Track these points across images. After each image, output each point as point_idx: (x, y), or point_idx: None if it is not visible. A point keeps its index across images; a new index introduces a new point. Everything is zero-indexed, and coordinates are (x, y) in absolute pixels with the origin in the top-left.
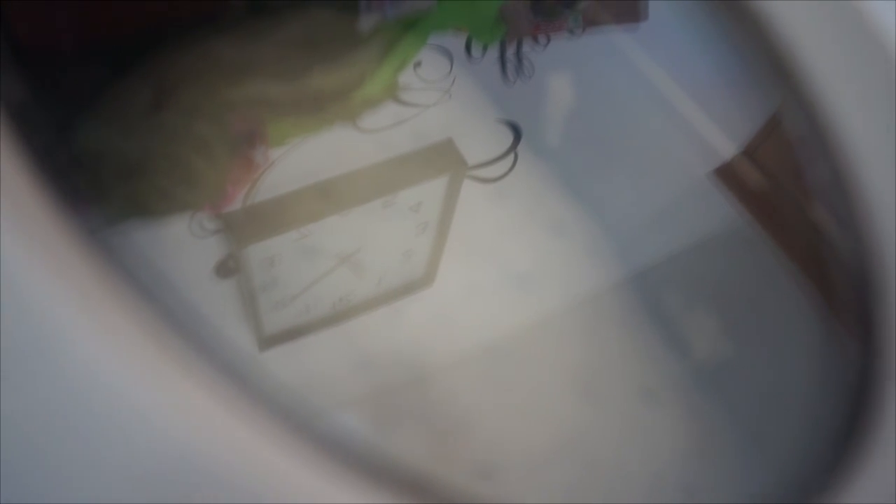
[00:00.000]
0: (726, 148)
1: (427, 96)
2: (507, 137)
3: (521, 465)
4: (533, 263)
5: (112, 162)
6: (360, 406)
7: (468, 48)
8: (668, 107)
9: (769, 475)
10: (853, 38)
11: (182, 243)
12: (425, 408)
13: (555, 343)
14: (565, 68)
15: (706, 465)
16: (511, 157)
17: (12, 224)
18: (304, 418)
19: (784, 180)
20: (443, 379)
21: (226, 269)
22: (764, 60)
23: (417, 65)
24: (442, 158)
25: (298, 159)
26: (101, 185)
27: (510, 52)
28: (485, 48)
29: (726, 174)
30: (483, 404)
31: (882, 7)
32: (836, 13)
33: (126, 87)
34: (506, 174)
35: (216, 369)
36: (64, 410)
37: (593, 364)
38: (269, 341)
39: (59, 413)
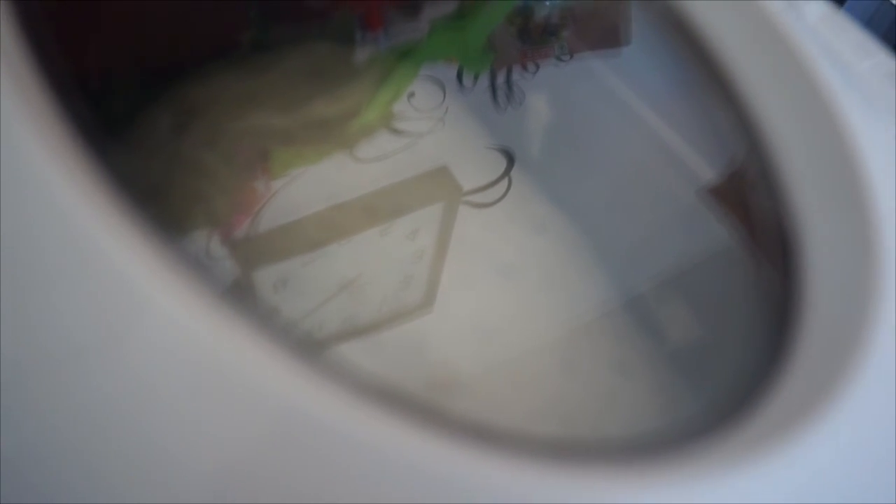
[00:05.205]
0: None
1: (421, 125)
2: (501, 163)
3: (507, 424)
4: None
5: (135, 185)
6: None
7: (460, 77)
8: (647, 126)
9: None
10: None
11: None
12: (422, 375)
13: (537, 324)
14: (554, 94)
15: (672, 419)
16: (505, 182)
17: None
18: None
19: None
20: (438, 352)
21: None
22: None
23: (411, 95)
24: (437, 185)
25: (298, 189)
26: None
27: (500, 79)
28: (476, 77)
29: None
30: (474, 374)
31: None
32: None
33: (148, 117)
34: (500, 199)
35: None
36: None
37: (572, 341)
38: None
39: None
